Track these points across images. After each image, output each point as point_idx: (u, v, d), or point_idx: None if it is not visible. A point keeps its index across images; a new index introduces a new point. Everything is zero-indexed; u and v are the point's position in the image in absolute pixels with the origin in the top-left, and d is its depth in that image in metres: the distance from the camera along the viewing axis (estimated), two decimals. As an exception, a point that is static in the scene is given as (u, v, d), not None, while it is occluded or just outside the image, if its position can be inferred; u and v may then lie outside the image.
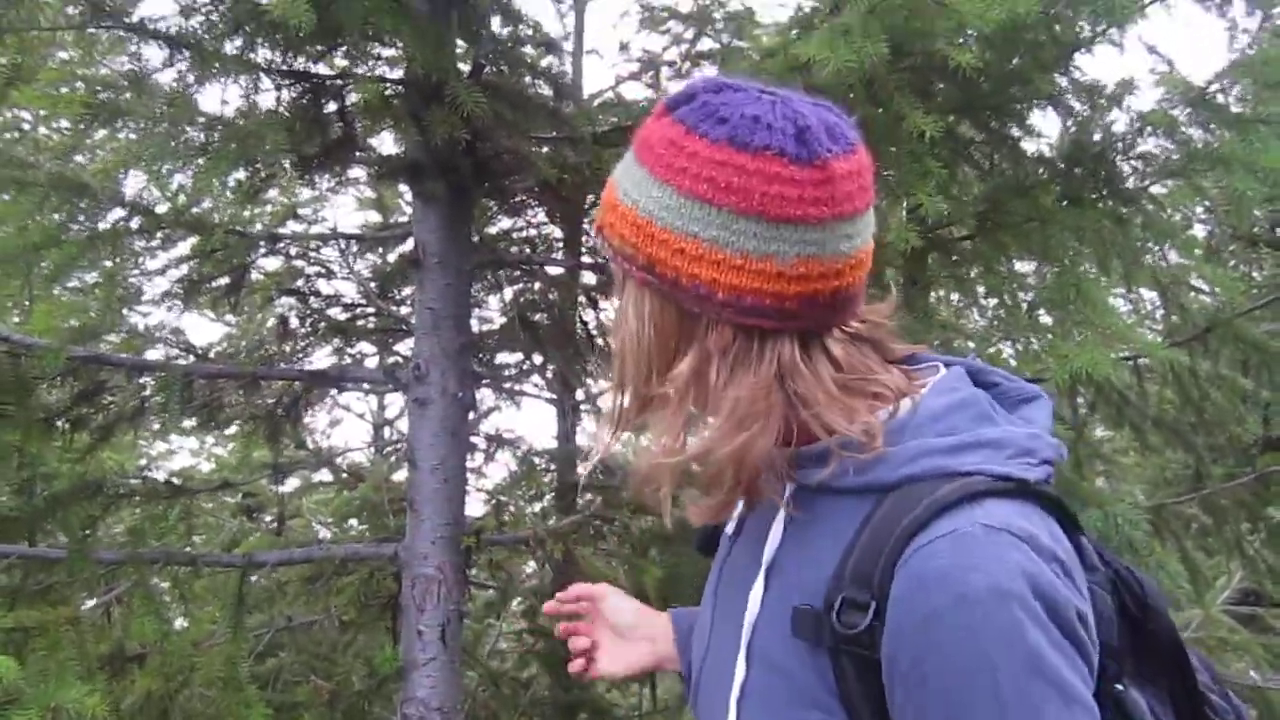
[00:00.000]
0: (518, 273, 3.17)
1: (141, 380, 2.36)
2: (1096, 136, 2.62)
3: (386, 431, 7.57)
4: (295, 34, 1.84)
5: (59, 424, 2.31)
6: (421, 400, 2.45)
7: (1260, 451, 3.86)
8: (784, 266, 1.02)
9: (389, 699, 2.59)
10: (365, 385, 2.53)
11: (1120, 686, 1.00)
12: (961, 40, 2.14)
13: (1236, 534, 3.60)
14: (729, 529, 1.20)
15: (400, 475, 4.18)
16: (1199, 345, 3.23)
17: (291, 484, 4.55)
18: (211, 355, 2.85)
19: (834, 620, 0.96)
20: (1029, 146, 2.73)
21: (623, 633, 1.54)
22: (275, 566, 2.44)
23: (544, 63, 2.84)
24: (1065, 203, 2.63)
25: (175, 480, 2.58)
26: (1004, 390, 1.15)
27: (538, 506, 3.73)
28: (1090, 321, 2.38)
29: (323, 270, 3.29)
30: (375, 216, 4.56)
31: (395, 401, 6.82)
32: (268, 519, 4.50)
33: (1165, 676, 1.07)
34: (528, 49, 2.75)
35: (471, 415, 2.54)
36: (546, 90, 2.71)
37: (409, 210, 3.79)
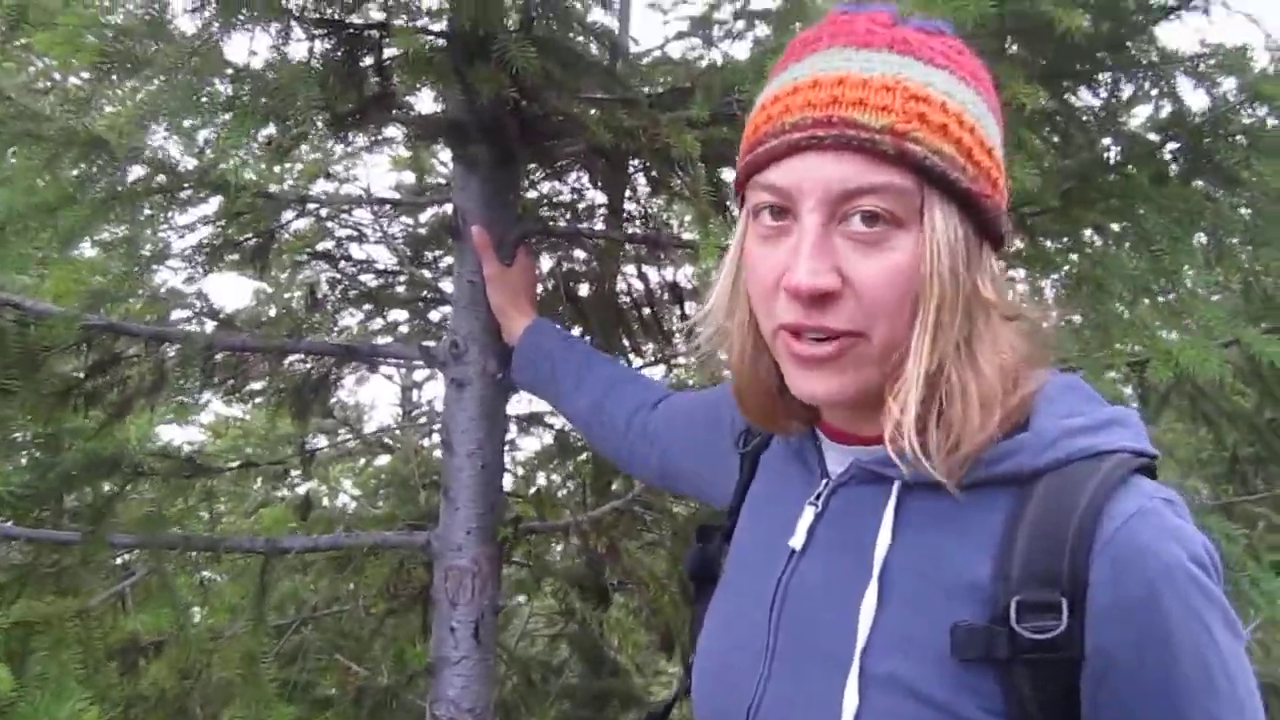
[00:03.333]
0: (557, 240, 2.99)
1: (160, 351, 2.20)
2: (1196, 109, 2.40)
3: (415, 394, 7.45)
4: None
5: (73, 398, 2.16)
6: (459, 381, 2.28)
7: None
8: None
9: (417, 694, 2.45)
10: (397, 361, 2.36)
11: None
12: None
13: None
14: (792, 543, 1.09)
15: (428, 441, 4.04)
16: (1282, 336, 3.04)
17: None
18: (237, 322, 2.69)
19: (1013, 629, 0.89)
20: (1120, 120, 2.52)
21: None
22: (300, 553, 2.29)
23: (591, 17, 2.65)
24: (1157, 182, 2.42)
25: (195, 458, 2.43)
26: None
27: (571, 486, 3.58)
28: (1188, 312, 2.18)
29: (354, 233, 3.13)
30: (409, 177, 4.39)
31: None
32: (285, 493, 4.37)
33: None
34: (577, 3, 2.57)
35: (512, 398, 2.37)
36: (596, 48, 2.52)
37: (444, 169, 3.62)
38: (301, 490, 3.29)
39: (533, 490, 3.02)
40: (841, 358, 0.97)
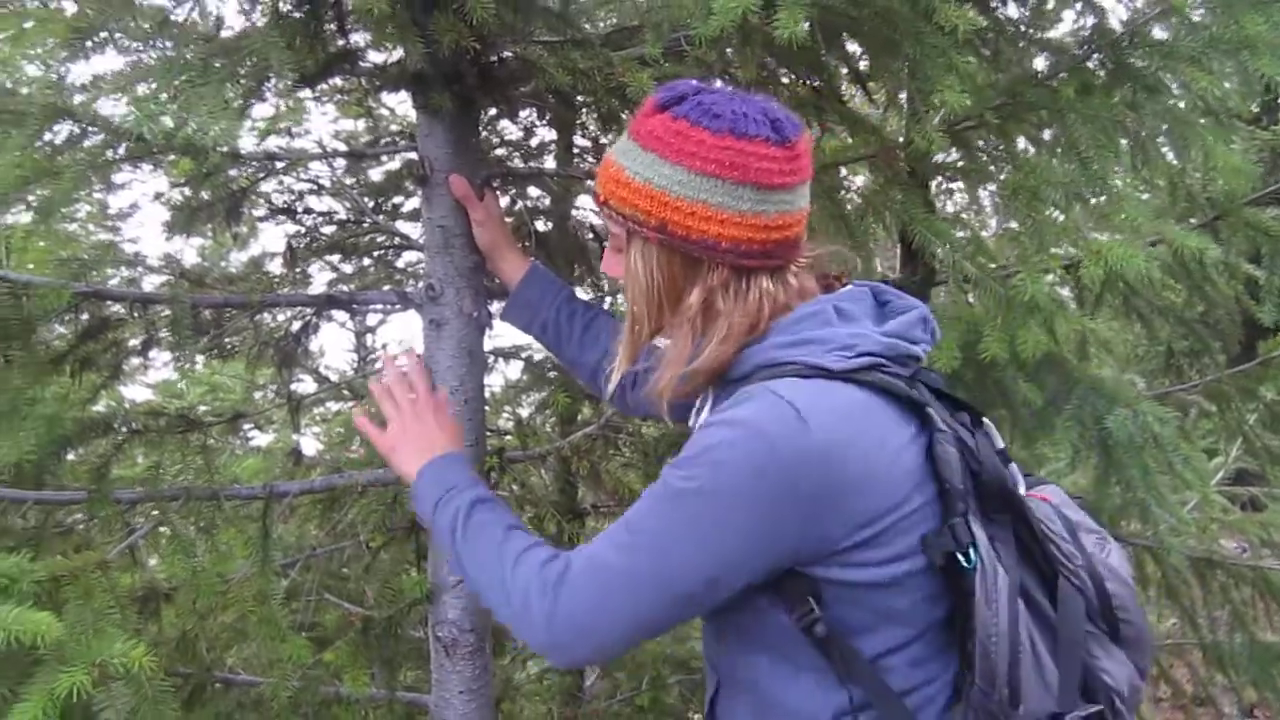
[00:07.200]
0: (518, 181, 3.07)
1: (149, 314, 2.28)
2: (1116, 23, 2.53)
3: (369, 339, 7.46)
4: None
5: (67, 364, 2.23)
6: (437, 321, 2.38)
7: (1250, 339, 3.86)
8: (769, 220, 1.39)
9: (418, 623, 2.58)
10: (379, 307, 2.45)
11: (959, 519, 1.33)
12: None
13: (1239, 420, 3.62)
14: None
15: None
16: (1208, 232, 3.21)
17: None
18: (208, 280, 2.75)
19: None
20: (1045, 36, 2.65)
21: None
22: (297, 496, 2.40)
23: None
24: (1083, 93, 2.55)
25: (187, 414, 2.52)
26: (893, 305, 1.51)
27: (540, 417, 3.69)
28: (1117, 214, 2.33)
29: (314, 187, 3.18)
30: (347, 125, 4.40)
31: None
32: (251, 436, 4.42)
33: (1006, 515, 1.39)
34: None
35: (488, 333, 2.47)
36: (544, -10, 2.58)
37: (397, 114, 3.67)
38: (268, 440, 3.36)
39: (514, 422, 3.13)
40: None
